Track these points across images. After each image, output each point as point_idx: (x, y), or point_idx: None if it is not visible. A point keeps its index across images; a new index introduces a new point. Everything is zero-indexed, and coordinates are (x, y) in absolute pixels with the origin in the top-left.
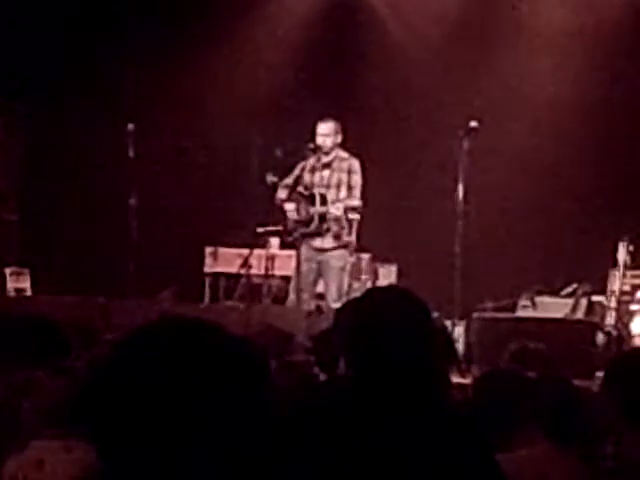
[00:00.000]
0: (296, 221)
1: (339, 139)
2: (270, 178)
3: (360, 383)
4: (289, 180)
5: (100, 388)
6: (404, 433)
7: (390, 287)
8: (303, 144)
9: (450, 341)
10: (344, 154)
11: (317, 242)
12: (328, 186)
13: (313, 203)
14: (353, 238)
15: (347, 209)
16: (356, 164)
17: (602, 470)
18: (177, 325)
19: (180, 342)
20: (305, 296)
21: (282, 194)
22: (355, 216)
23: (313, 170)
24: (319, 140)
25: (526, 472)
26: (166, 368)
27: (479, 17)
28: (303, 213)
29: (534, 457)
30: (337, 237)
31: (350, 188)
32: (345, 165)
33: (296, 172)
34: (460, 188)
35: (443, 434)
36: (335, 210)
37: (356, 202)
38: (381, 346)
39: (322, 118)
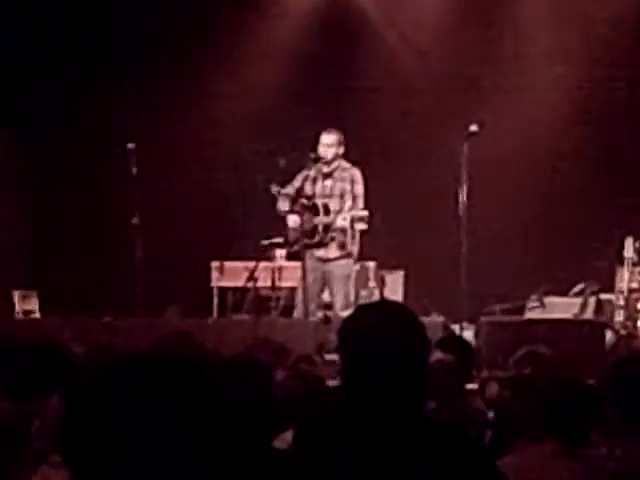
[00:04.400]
0: (300, 232)
1: (341, 150)
2: (275, 188)
3: (350, 397)
4: (290, 190)
5: (74, 422)
6: (387, 450)
7: (379, 303)
8: (306, 154)
9: (469, 351)
10: (346, 164)
11: (321, 252)
12: (330, 196)
13: (317, 214)
14: (356, 247)
15: (354, 219)
16: (357, 174)
17: (607, 472)
18: (154, 362)
19: (155, 380)
20: (312, 306)
21: (284, 206)
22: (363, 226)
23: (314, 180)
24: (321, 150)
25: (529, 472)
26: (139, 406)
27: (477, 26)
28: (306, 225)
29: (538, 456)
30: (341, 247)
31: (354, 198)
32: (347, 175)
33: (297, 183)
34: (463, 192)
35: (428, 450)
36: (342, 221)
37: (364, 212)
38: (362, 365)
39: (326, 128)
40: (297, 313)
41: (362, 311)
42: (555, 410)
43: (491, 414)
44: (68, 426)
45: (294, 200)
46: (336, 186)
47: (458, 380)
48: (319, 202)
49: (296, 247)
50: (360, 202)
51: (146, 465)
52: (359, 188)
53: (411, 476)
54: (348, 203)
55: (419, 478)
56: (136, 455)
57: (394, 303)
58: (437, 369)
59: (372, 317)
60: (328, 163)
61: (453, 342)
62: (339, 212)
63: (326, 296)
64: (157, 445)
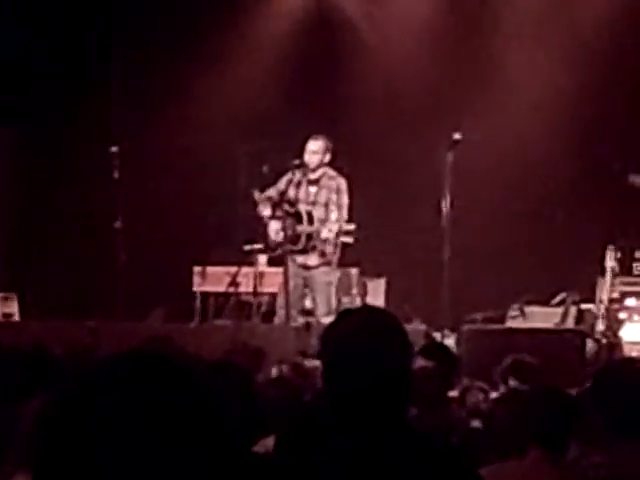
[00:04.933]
0: (282, 238)
1: (327, 158)
2: (257, 195)
3: (333, 402)
4: (273, 193)
5: (59, 421)
6: (368, 457)
7: (362, 308)
8: (290, 160)
9: (452, 358)
10: (332, 172)
11: (302, 259)
12: (314, 203)
13: (300, 221)
14: (336, 256)
15: (341, 232)
16: (343, 184)
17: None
18: (135, 362)
19: (135, 381)
20: (293, 312)
21: (266, 210)
22: (349, 240)
23: (298, 185)
24: (306, 157)
25: None
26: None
27: (461, 31)
28: (289, 232)
29: (522, 467)
30: (322, 255)
31: (340, 208)
32: (333, 184)
33: (281, 186)
34: (446, 200)
35: (408, 458)
36: (328, 233)
37: (351, 226)
38: (345, 370)
39: (314, 135)
40: (278, 319)
41: (345, 316)
42: (538, 418)
43: (476, 423)
44: (50, 428)
45: (276, 204)
46: (321, 194)
47: (440, 387)
48: (303, 209)
49: (278, 251)
50: (344, 213)
51: (132, 465)
52: (344, 198)
53: None
54: (334, 214)
55: None
56: (122, 455)
57: (377, 308)
58: (419, 376)
59: (355, 322)
60: (313, 170)
61: (436, 350)
62: (323, 221)
63: (308, 302)
64: (144, 445)
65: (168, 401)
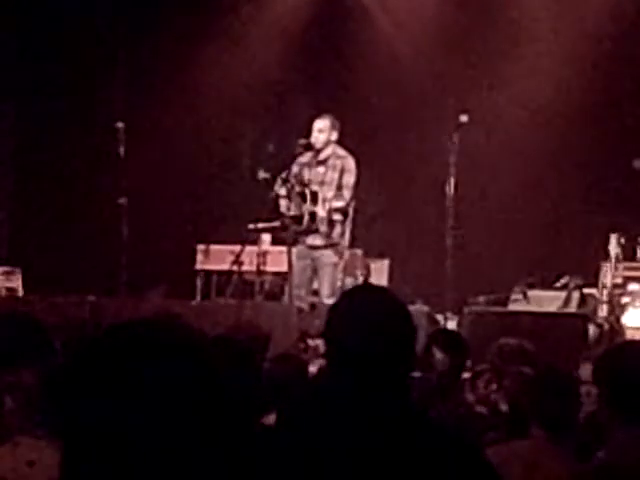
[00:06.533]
0: (290, 218)
1: (334, 136)
2: (262, 174)
3: (334, 381)
4: (284, 174)
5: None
6: (368, 435)
7: (363, 287)
8: (295, 140)
9: (465, 349)
10: (341, 151)
11: (309, 239)
12: (322, 183)
13: (304, 201)
14: (344, 239)
15: (331, 210)
16: (351, 163)
17: (595, 462)
18: (135, 330)
19: (138, 346)
20: (301, 292)
21: (281, 189)
22: (338, 217)
23: (309, 166)
24: (313, 136)
25: (515, 462)
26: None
27: (468, 15)
28: (296, 210)
29: (525, 447)
30: (327, 236)
31: (339, 188)
32: (339, 163)
33: (295, 168)
34: (451, 182)
35: (410, 437)
36: (322, 212)
37: (340, 203)
38: (347, 348)
39: (320, 114)
40: (286, 298)
41: (348, 295)
42: (540, 400)
43: (482, 409)
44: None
45: (285, 181)
46: (327, 174)
47: (452, 376)
48: (307, 190)
49: (289, 232)
50: (346, 192)
51: (134, 434)
52: (348, 177)
53: (400, 465)
54: (330, 192)
55: (408, 468)
56: (125, 423)
57: (379, 287)
58: (434, 368)
59: (357, 300)
60: (321, 149)
61: (450, 340)
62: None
63: (316, 283)
64: (147, 413)
65: (172, 370)
